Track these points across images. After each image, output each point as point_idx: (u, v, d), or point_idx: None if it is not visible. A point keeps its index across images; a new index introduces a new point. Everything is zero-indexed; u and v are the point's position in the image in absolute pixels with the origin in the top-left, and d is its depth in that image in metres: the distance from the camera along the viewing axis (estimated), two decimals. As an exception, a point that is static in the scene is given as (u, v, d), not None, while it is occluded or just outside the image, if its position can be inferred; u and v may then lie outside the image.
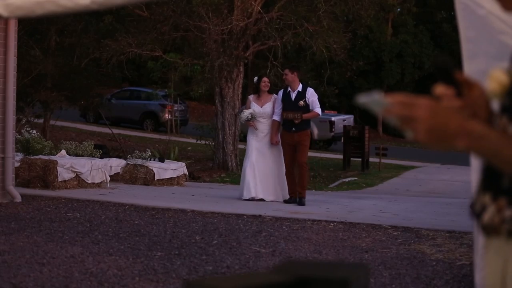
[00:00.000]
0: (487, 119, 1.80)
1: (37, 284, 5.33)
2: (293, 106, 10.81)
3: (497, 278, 1.82)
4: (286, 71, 11.12)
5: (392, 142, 32.16)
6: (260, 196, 10.84)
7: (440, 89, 1.74)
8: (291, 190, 10.95)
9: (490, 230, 1.81)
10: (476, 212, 1.85)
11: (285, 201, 10.86)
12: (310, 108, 10.92)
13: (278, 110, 10.97)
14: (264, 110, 11.05)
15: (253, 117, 11.01)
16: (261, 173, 10.90)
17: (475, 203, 1.86)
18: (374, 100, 1.60)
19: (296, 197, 10.85)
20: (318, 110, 10.99)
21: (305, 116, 10.83)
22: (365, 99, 1.61)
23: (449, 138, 1.60)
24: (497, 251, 1.81)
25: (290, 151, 10.86)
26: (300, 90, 10.92)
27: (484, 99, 1.80)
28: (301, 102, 10.82)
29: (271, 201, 10.86)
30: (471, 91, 1.78)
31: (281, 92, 11.11)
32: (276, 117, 10.99)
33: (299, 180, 10.90)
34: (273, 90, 11.46)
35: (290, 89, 10.95)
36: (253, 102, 11.20)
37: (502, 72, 1.75)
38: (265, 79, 11.27)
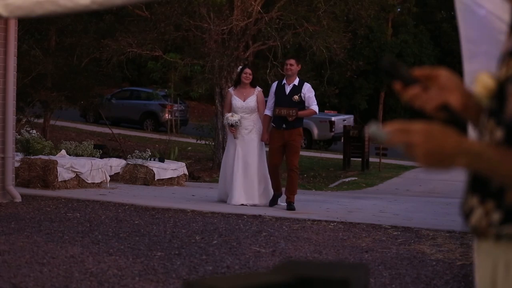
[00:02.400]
0: (474, 107, 1.81)
1: (37, 284, 5.32)
2: (286, 101, 9.82)
3: (488, 281, 1.80)
4: (292, 61, 10.01)
5: (392, 142, 32.12)
6: (242, 201, 9.93)
7: (409, 91, 1.77)
8: (276, 186, 10.02)
9: (477, 233, 1.81)
10: (465, 214, 1.84)
11: (271, 202, 10.03)
12: (306, 105, 9.93)
13: (271, 104, 9.98)
14: (247, 104, 10.07)
15: (239, 125, 10.01)
16: (243, 175, 9.94)
17: (464, 204, 1.85)
18: (374, 131, 1.63)
19: (281, 193, 10.05)
20: (315, 107, 9.99)
21: (301, 113, 9.85)
22: (370, 130, 1.64)
23: (447, 159, 1.61)
24: (487, 254, 1.80)
25: (278, 151, 9.91)
26: (297, 84, 9.94)
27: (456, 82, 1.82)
28: (296, 97, 9.81)
29: (254, 205, 9.92)
30: (436, 79, 1.81)
31: (274, 85, 10.15)
32: (268, 112, 10.01)
33: (288, 186, 9.91)
34: (262, 88, 10.60)
35: (285, 82, 9.98)
36: (235, 96, 10.16)
37: (488, 76, 1.76)
38: (247, 70, 10.26)
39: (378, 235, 8.01)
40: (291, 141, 9.78)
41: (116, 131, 21.99)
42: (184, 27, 18.09)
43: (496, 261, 1.77)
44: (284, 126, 9.77)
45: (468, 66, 3.82)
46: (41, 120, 19.42)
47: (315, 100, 10.04)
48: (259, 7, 17.25)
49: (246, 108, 10.06)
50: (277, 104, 9.85)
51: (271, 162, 9.98)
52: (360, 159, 19.30)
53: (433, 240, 7.77)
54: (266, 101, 10.28)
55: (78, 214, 8.61)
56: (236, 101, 10.08)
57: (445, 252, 7.14)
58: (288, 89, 9.89)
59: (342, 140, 20.95)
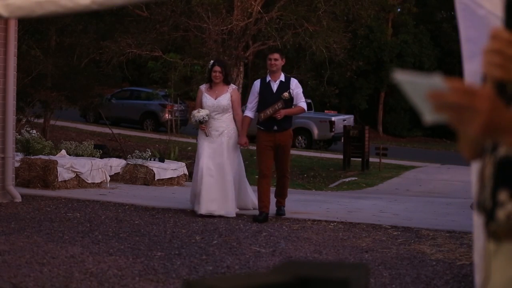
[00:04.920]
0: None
1: (37, 284, 5.33)
2: (274, 100, 8.82)
3: (508, 285, 1.73)
4: (276, 55, 8.97)
5: (392, 142, 32.17)
6: (212, 209, 8.80)
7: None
8: (263, 203, 8.82)
9: (504, 230, 1.73)
10: (487, 209, 1.77)
11: (255, 219, 8.70)
12: (294, 102, 8.95)
13: (252, 104, 9.04)
14: (219, 103, 9.02)
15: (208, 120, 9.02)
16: (215, 182, 8.84)
17: (485, 199, 1.78)
18: (436, 83, 1.50)
19: (268, 212, 8.83)
20: (303, 104, 8.97)
21: (289, 111, 8.85)
22: (407, 78, 1.52)
23: (502, 132, 1.53)
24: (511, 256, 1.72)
25: (270, 154, 8.88)
26: (283, 80, 8.96)
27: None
28: (286, 94, 8.84)
29: (221, 216, 8.83)
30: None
31: (257, 83, 9.09)
32: (249, 113, 9.03)
33: (279, 190, 9.11)
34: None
35: (270, 79, 8.97)
36: (206, 94, 9.12)
37: None
38: (216, 68, 9.07)
39: (378, 235, 8.01)
40: (283, 143, 8.85)
41: (116, 131, 21.99)
42: (182, 27, 18.10)
43: None
44: (275, 128, 8.80)
45: (468, 66, 3.82)
46: (41, 120, 19.42)
47: (303, 97, 9.08)
48: (259, 7, 17.26)
49: (218, 107, 9.03)
50: (263, 104, 8.89)
51: (261, 170, 8.93)
52: (360, 159, 19.31)
53: (433, 240, 7.77)
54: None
55: (78, 214, 8.62)
56: (207, 99, 9.05)
57: (445, 252, 7.15)
58: (275, 86, 8.93)
59: (342, 140, 20.95)
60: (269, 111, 8.73)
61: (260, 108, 8.92)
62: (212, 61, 9.37)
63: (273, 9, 17.43)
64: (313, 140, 26.18)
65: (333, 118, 26.08)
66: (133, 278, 5.63)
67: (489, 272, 1.81)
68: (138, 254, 6.52)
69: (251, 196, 9.36)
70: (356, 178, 17.59)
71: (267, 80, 8.99)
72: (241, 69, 17.99)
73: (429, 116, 1.53)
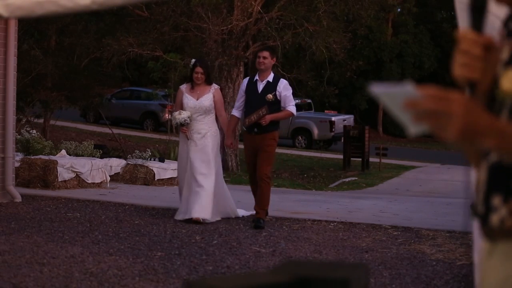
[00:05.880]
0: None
1: (37, 284, 5.33)
2: (258, 100, 8.31)
3: (503, 284, 1.74)
4: (266, 53, 8.47)
5: (392, 142, 32.18)
6: (196, 216, 8.31)
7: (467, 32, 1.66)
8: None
9: (498, 234, 1.74)
10: (480, 214, 1.78)
11: (256, 226, 8.23)
12: (282, 105, 8.38)
13: (239, 103, 8.59)
14: (200, 104, 8.59)
15: (190, 122, 8.59)
16: (193, 186, 8.41)
17: (478, 204, 1.79)
18: (409, 91, 1.49)
19: (264, 217, 8.41)
20: (291, 108, 8.38)
21: (274, 116, 8.28)
22: (382, 89, 1.51)
23: (478, 136, 1.51)
24: (507, 256, 1.73)
25: (252, 158, 8.44)
26: (271, 80, 8.40)
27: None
28: (270, 96, 8.27)
29: (214, 221, 8.50)
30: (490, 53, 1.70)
31: (245, 81, 8.65)
32: (236, 112, 8.62)
33: (257, 198, 8.39)
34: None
35: (258, 78, 8.46)
36: (187, 94, 8.68)
37: None
38: (198, 69, 8.65)
39: (378, 235, 8.01)
40: (263, 146, 8.28)
41: (116, 131, 21.99)
42: (182, 27, 18.10)
43: None
44: (256, 130, 8.30)
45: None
46: (41, 120, 19.42)
47: (293, 100, 8.48)
48: (259, 7, 17.26)
49: (200, 108, 8.59)
50: (248, 103, 8.42)
51: (248, 171, 8.74)
52: (360, 159, 19.31)
53: (433, 240, 7.77)
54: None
55: (78, 214, 8.62)
56: (188, 100, 8.62)
57: (445, 252, 7.15)
58: (260, 86, 8.39)
59: (342, 140, 20.96)
60: (253, 117, 8.28)
61: (246, 108, 8.48)
62: (193, 61, 8.94)
63: (273, 9, 17.43)
64: (313, 140, 26.20)
65: (333, 118, 26.10)
66: (133, 278, 5.64)
67: (484, 271, 1.82)
68: (138, 254, 6.52)
69: (230, 203, 8.83)
70: (356, 178, 17.59)
71: (255, 79, 8.50)
72: (241, 69, 17.99)
73: (412, 127, 1.52)
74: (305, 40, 17.99)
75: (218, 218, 8.59)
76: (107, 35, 18.90)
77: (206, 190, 8.39)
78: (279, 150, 23.81)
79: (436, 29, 37.20)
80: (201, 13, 16.97)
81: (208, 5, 16.60)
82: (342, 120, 26.05)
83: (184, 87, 8.82)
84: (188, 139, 8.57)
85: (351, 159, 19.51)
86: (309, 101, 27.78)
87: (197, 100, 8.61)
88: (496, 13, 3.73)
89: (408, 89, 1.49)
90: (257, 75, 8.52)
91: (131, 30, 18.30)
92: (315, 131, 26.11)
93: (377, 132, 34.53)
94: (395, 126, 35.24)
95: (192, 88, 8.69)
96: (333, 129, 25.78)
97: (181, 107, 8.72)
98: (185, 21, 17.59)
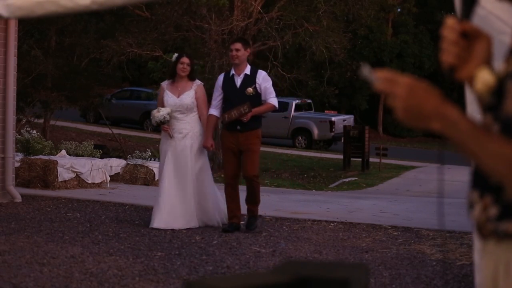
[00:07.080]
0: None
1: (37, 284, 5.33)
2: (238, 96, 7.76)
3: (490, 283, 1.78)
4: (238, 45, 7.90)
5: (392, 142, 32.17)
6: (176, 226, 7.86)
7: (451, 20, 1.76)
8: (231, 214, 7.92)
9: (479, 229, 1.78)
10: (468, 209, 1.83)
11: (224, 230, 7.85)
12: (263, 98, 7.86)
13: (216, 101, 7.95)
14: (181, 101, 8.03)
15: (169, 119, 8.06)
16: (179, 191, 7.93)
17: (467, 199, 1.84)
18: (365, 74, 1.64)
19: (238, 223, 7.95)
20: (273, 100, 7.83)
21: (256, 110, 7.75)
22: (362, 72, 1.65)
23: (423, 119, 1.60)
24: (490, 254, 1.78)
25: (233, 159, 7.83)
26: (249, 73, 7.87)
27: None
28: (250, 90, 7.75)
29: (197, 227, 8.01)
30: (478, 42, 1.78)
31: (221, 77, 8.07)
32: (214, 111, 7.95)
33: (248, 197, 7.92)
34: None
35: (234, 72, 7.91)
36: (167, 91, 8.13)
37: (488, 72, 1.74)
38: (184, 59, 8.10)
39: (378, 235, 8.01)
40: (248, 145, 7.74)
41: (116, 131, 21.99)
42: (184, 27, 18.11)
43: (497, 262, 1.75)
44: (238, 128, 7.73)
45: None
46: (41, 120, 19.43)
47: (273, 91, 7.92)
48: (259, 7, 17.27)
49: (181, 106, 8.03)
50: (227, 101, 7.85)
51: (226, 174, 8.04)
52: (360, 159, 19.32)
53: (433, 240, 7.77)
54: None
55: (78, 214, 8.62)
56: (169, 97, 8.07)
57: (445, 252, 7.14)
58: (238, 80, 7.85)
59: (342, 140, 20.96)
60: (234, 114, 7.68)
61: (225, 105, 7.89)
62: (176, 54, 8.42)
63: (273, 9, 17.44)
64: (313, 140, 26.19)
65: (333, 118, 26.10)
66: (133, 278, 5.64)
67: (478, 271, 1.86)
68: (138, 254, 6.52)
69: (217, 211, 8.21)
70: (356, 178, 17.60)
71: (231, 74, 7.94)
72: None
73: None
74: (305, 40, 18.01)
75: (195, 226, 7.98)
76: (107, 35, 18.92)
77: (182, 194, 7.92)
78: (279, 150, 23.84)
79: (436, 29, 37.15)
80: (204, 13, 16.98)
81: (213, 5, 16.61)
82: (342, 120, 26.05)
83: (165, 83, 8.27)
84: (171, 137, 8.03)
85: (351, 159, 19.51)
86: (309, 101, 27.77)
87: (178, 97, 8.06)
88: (492, 11, 3.73)
89: (366, 72, 1.63)
90: (232, 69, 7.99)
91: (131, 30, 18.31)
92: (315, 131, 26.11)
93: (377, 132, 34.52)
94: (395, 126, 35.23)
95: (173, 83, 8.15)
96: (333, 129, 25.78)
97: (162, 105, 8.19)
98: (186, 21, 17.60)
